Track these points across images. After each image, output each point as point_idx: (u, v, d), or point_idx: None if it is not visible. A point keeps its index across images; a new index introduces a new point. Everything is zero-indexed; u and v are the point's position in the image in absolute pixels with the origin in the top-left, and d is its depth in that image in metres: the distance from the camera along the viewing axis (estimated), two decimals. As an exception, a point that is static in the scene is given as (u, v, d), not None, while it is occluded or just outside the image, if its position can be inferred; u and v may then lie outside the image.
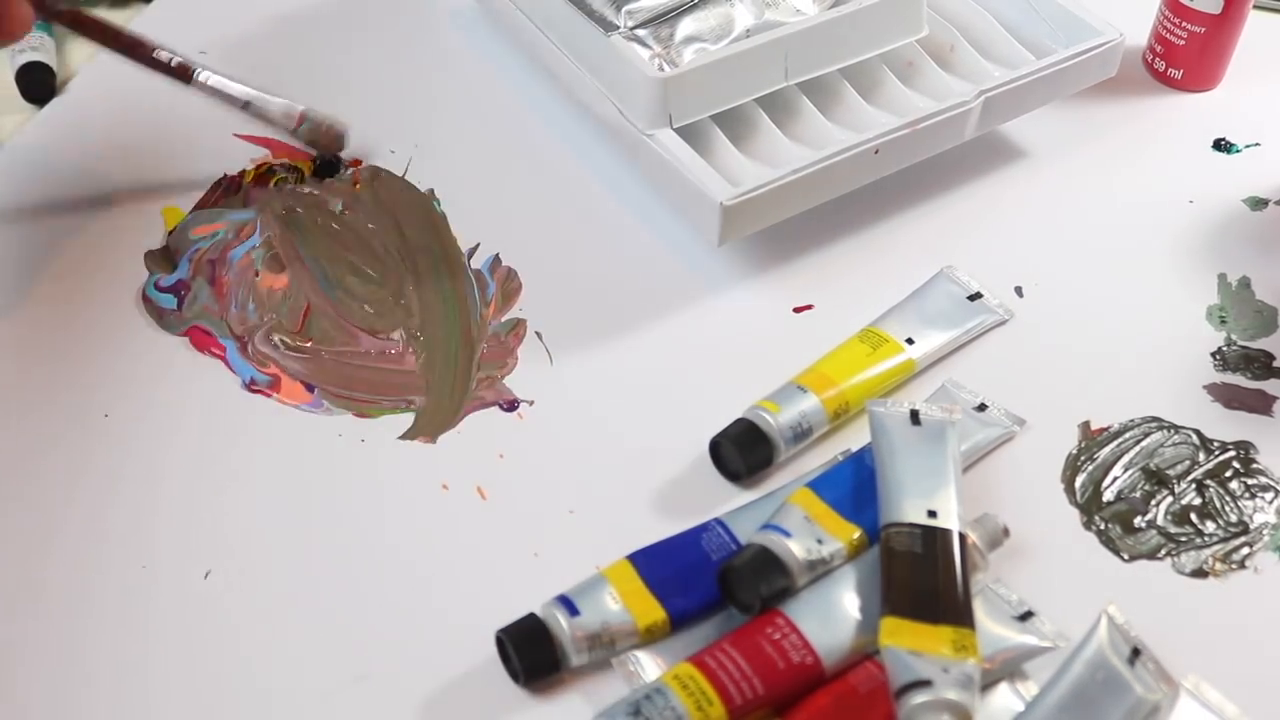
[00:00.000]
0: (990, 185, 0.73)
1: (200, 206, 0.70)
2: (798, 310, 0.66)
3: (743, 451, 0.58)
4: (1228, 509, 0.58)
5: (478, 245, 0.68)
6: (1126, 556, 0.57)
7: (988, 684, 0.51)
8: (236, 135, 0.74)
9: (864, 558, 0.53)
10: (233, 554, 0.56)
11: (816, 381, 0.60)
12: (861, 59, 0.70)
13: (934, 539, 0.51)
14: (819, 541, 0.53)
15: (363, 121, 0.75)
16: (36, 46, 0.77)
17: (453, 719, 0.51)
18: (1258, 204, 0.72)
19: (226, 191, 0.71)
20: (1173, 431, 0.61)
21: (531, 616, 0.52)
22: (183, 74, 0.68)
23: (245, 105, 0.69)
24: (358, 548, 0.56)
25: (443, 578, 0.55)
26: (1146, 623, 0.51)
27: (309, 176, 0.72)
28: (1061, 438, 0.61)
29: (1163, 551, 0.57)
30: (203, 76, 0.68)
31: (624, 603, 0.52)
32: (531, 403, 0.62)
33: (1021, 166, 0.74)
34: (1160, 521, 0.58)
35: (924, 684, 0.47)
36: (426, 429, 0.60)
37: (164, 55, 0.68)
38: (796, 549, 0.52)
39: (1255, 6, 0.77)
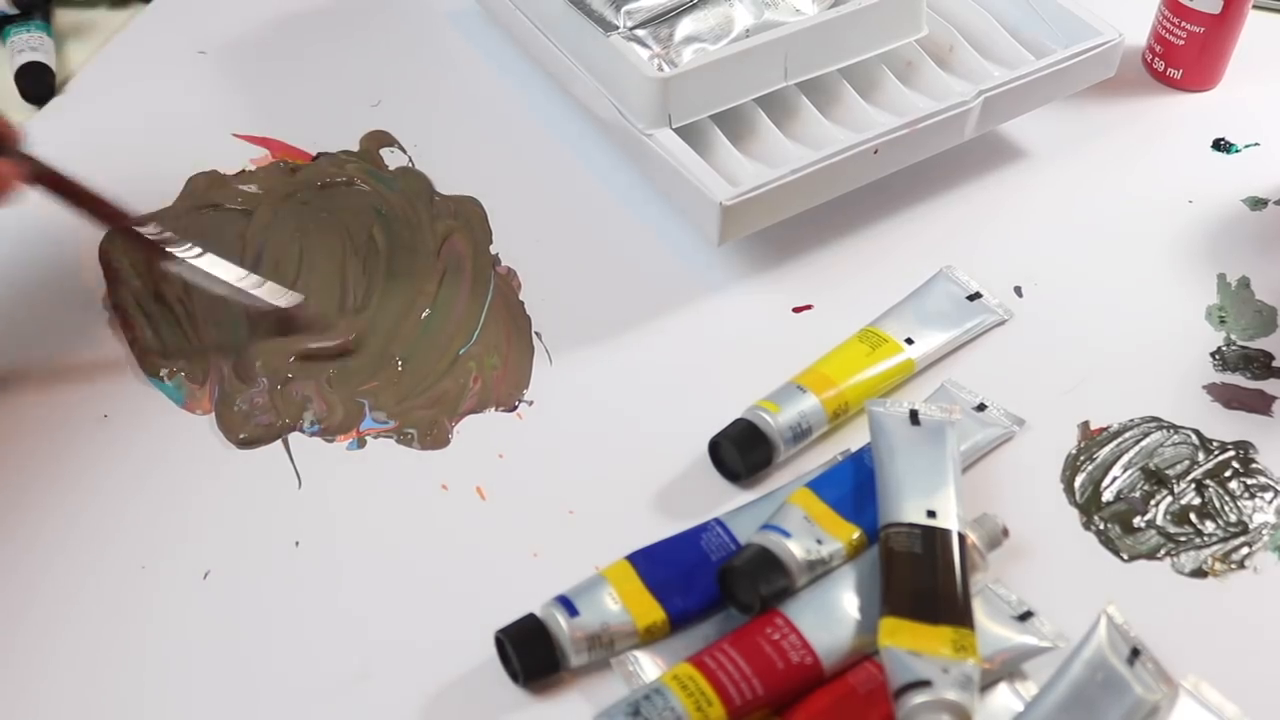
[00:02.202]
0: (989, 185, 0.73)
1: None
2: (797, 310, 0.66)
3: (742, 451, 0.58)
4: (1227, 509, 0.58)
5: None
6: (1126, 556, 0.57)
7: (987, 684, 0.51)
8: (236, 135, 0.74)
9: (863, 558, 0.53)
10: (232, 554, 0.56)
11: (816, 381, 0.60)
12: (861, 59, 0.70)
13: (933, 539, 0.51)
14: (818, 541, 0.53)
15: (362, 121, 0.75)
16: (36, 47, 0.77)
17: (453, 719, 0.51)
18: (1257, 204, 0.72)
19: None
20: (1172, 431, 0.61)
21: (531, 617, 0.52)
22: (163, 251, 0.62)
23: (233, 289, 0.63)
24: (358, 548, 0.56)
25: (442, 578, 0.55)
26: (1146, 623, 0.52)
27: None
28: (1061, 438, 0.61)
29: (1162, 551, 0.57)
30: (187, 254, 0.62)
31: (623, 603, 0.52)
32: (531, 403, 0.62)
33: (1021, 167, 0.74)
34: (1160, 521, 0.58)
35: (923, 684, 0.47)
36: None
37: (149, 231, 0.62)
38: (796, 549, 0.52)
39: (1255, 6, 0.77)
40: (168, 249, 0.62)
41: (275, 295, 0.64)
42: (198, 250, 0.62)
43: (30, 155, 0.57)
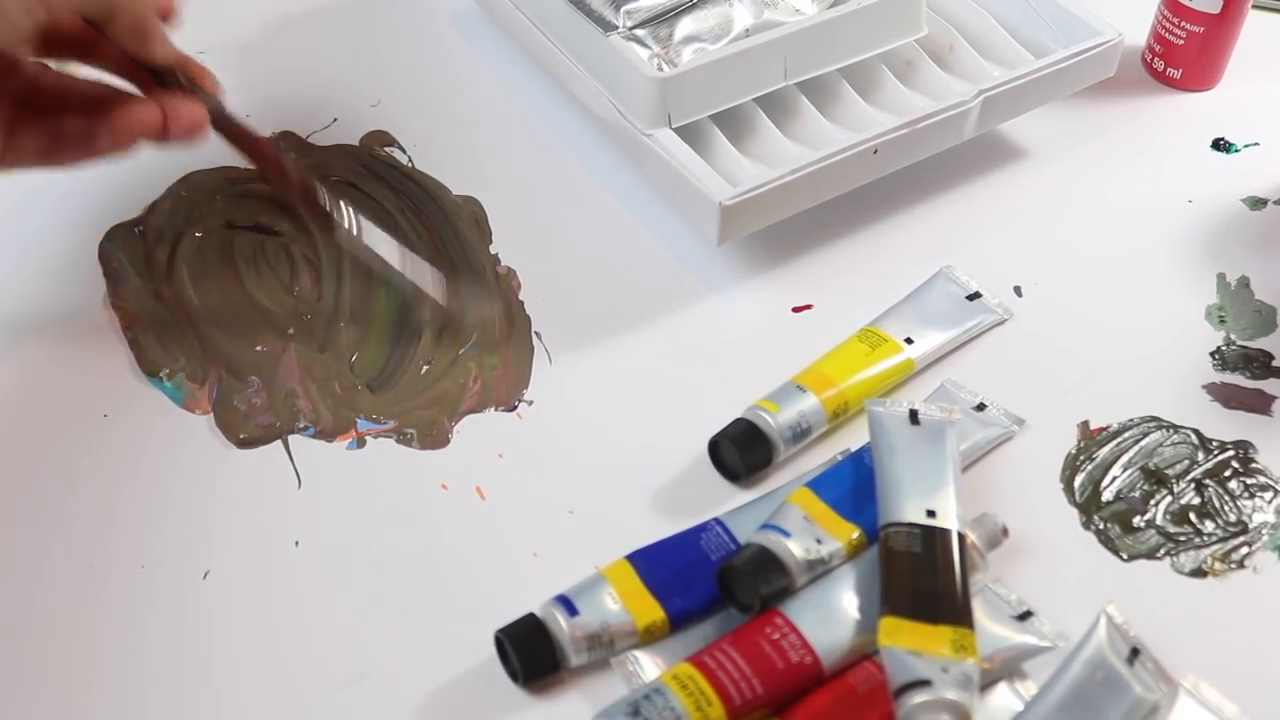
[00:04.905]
0: (989, 185, 0.73)
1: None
2: (797, 310, 0.66)
3: (742, 451, 0.58)
4: (1227, 508, 0.58)
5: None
6: (1125, 556, 0.57)
7: (987, 684, 0.51)
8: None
9: (863, 557, 0.53)
10: (232, 554, 0.56)
11: (816, 381, 0.60)
12: (860, 59, 0.70)
13: (933, 539, 0.51)
14: (818, 541, 0.53)
15: (362, 121, 0.75)
16: (36, 47, 0.77)
17: (452, 719, 0.51)
18: (1257, 203, 0.72)
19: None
20: (1172, 431, 0.61)
21: (530, 616, 0.52)
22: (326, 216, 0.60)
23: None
24: (357, 547, 0.56)
25: (442, 578, 0.55)
26: (1145, 622, 0.52)
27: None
28: (1060, 437, 0.61)
29: (1162, 551, 0.57)
30: (351, 223, 0.60)
31: (623, 602, 0.52)
32: (531, 403, 0.62)
33: (1020, 166, 0.74)
34: (1159, 521, 0.58)
35: (923, 684, 0.47)
36: None
37: (322, 197, 0.59)
38: (795, 549, 0.52)
39: (1254, 6, 0.77)
40: (332, 216, 0.61)
41: (427, 281, 0.63)
42: (359, 222, 0.61)
43: (216, 99, 0.57)
